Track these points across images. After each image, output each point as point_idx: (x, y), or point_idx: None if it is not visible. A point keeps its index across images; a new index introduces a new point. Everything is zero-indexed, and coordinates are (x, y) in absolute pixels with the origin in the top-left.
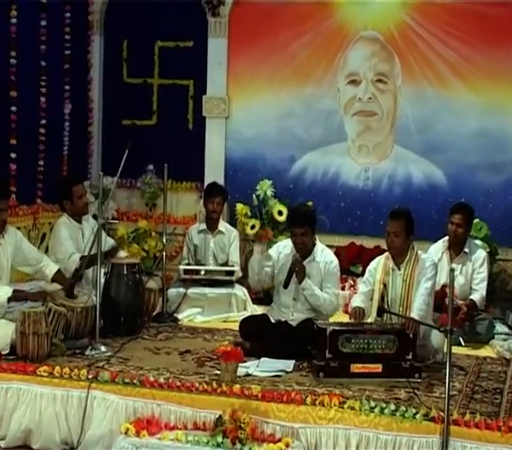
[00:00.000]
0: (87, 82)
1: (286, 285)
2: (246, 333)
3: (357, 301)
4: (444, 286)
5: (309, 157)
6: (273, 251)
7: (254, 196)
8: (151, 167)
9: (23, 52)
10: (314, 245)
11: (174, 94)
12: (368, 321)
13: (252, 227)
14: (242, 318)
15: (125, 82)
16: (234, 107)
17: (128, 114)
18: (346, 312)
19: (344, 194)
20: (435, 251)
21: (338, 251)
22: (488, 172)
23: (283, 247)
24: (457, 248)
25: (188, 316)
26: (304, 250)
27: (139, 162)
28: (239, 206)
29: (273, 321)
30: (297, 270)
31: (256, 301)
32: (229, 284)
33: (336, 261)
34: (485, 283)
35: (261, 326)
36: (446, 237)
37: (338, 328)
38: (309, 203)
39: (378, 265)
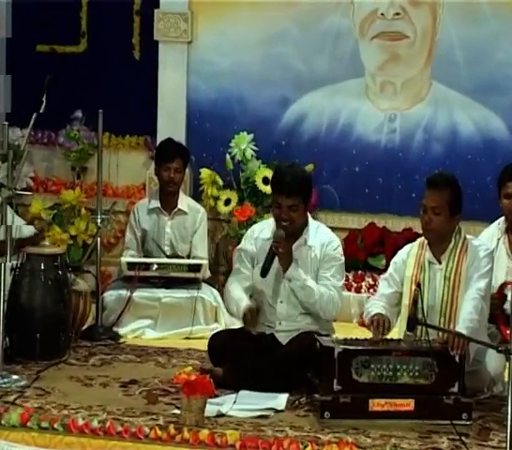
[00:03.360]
0: None
1: (264, 272)
2: (217, 355)
3: (378, 307)
4: (503, 286)
5: (310, 101)
6: (247, 241)
7: (228, 157)
8: (79, 114)
9: None
10: (306, 224)
11: (113, 8)
12: (395, 336)
13: (226, 202)
14: (212, 333)
15: None
16: (201, 27)
17: (45, 37)
18: (362, 324)
19: (360, 154)
20: (488, 238)
21: (352, 236)
22: None
23: (260, 231)
24: None
25: (133, 331)
26: (291, 230)
27: (62, 107)
28: (206, 173)
29: (254, 334)
30: (281, 251)
31: None
32: (193, 284)
33: (336, 241)
34: None
35: (238, 345)
36: (502, 218)
37: (350, 347)
38: (309, 167)
39: (408, 256)
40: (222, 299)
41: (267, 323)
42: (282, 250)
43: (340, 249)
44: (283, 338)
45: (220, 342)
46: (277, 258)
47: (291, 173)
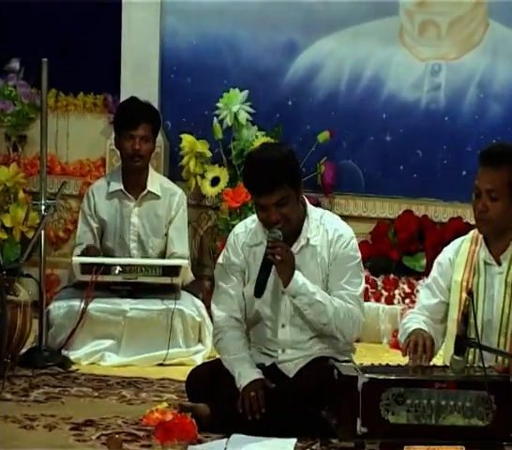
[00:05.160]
0: None
1: (259, 291)
2: (200, 388)
3: (417, 323)
4: None
5: (325, 48)
6: (231, 252)
7: (216, 122)
8: (16, 64)
9: None
10: (304, 215)
11: None
12: (439, 362)
13: (214, 182)
14: (196, 358)
15: None
16: None
17: None
18: (395, 346)
19: (392, 119)
20: None
21: (382, 229)
22: None
23: (247, 236)
24: None
25: (89, 355)
26: (289, 228)
27: None
28: (188, 139)
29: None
30: (280, 259)
31: None
32: (169, 293)
33: (347, 232)
34: None
35: (227, 378)
36: None
37: (379, 377)
38: (323, 136)
39: (458, 255)
40: (208, 313)
41: (267, 352)
42: (282, 258)
43: (354, 243)
44: (290, 369)
45: (204, 374)
46: (274, 268)
47: (262, 163)
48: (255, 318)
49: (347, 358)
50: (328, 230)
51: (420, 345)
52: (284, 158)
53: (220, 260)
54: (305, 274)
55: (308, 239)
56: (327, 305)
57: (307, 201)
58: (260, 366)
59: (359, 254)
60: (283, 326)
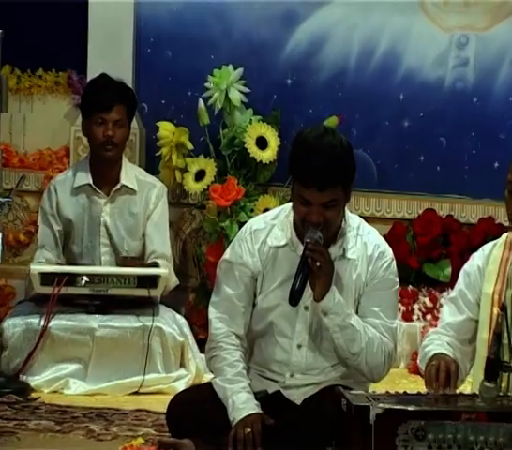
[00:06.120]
0: None
1: (296, 298)
2: (183, 421)
3: (440, 344)
4: None
5: (330, 16)
6: (244, 249)
7: (202, 105)
8: None
9: None
10: (341, 221)
11: None
12: (467, 390)
13: (199, 176)
14: (178, 385)
15: None
16: None
17: None
18: (414, 370)
19: (411, 100)
20: None
21: (398, 231)
22: None
23: (268, 233)
24: None
25: (51, 382)
26: (326, 234)
27: None
28: (167, 128)
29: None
30: (319, 266)
31: None
32: (145, 308)
33: (389, 251)
34: None
35: (216, 408)
36: None
37: (396, 407)
38: (331, 122)
39: (489, 263)
40: (192, 331)
41: (271, 376)
42: (321, 264)
43: (395, 266)
44: (296, 396)
45: (188, 409)
46: (309, 277)
47: (322, 152)
48: (265, 332)
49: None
50: (367, 243)
51: (442, 371)
52: (346, 154)
53: (228, 255)
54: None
55: (344, 250)
56: (361, 332)
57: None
58: (261, 393)
59: (398, 280)
60: (299, 347)
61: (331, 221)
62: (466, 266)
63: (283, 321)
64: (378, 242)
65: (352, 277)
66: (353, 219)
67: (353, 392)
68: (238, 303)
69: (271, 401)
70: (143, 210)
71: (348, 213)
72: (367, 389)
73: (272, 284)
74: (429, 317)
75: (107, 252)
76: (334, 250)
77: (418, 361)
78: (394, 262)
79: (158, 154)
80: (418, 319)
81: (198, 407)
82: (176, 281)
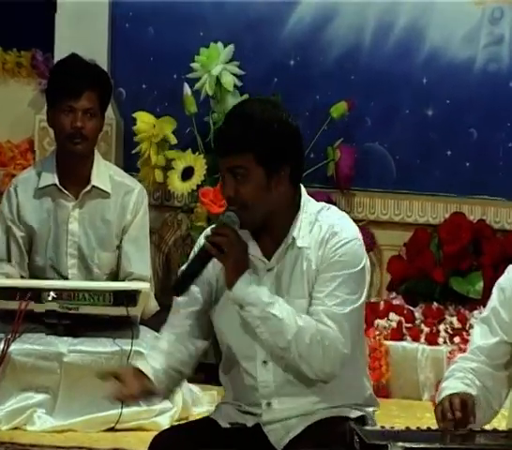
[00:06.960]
0: None
1: (180, 287)
2: None
3: (459, 377)
4: None
5: None
6: None
7: (188, 91)
8: None
9: None
10: (296, 210)
11: None
12: (502, 425)
13: (186, 173)
14: (161, 420)
15: None
16: None
17: None
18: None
19: (436, 84)
20: None
21: (421, 238)
22: None
23: None
24: None
25: (12, 414)
26: (249, 218)
27: None
28: (144, 119)
29: (226, 426)
30: (223, 251)
31: (201, 373)
32: (123, 329)
33: (349, 231)
34: None
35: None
36: None
37: (417, 446)
38: (340, 108)
39: None
40: None
41: (247, 409)
42: (225, 249)
43: (353, 246)
44: (279, 436)
45: (170, 443)
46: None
47: (235, 115)
48: (229, 359)
49: (362, 413)
50: (322, 226)
51: (456, 408)
52: (267, 124)
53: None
54: (286, 286)
55: (293, 238)
56: (287, 322)
57: (304, 191)
58: (240, 427)
59: (361, 261)
60: (265, 363)
61: (246, 199)
62: (501, 280)
63: (238, 340)
64: (334, 222)
65: (302, 268)
66: (312, 206)
67: (368, 428)
68: (183, 311)
69: (251, 437)
70: (117, 218)
71: (307, 199)
72: (370, 414)
73: (222, 297)
74: (456, 340)
75: (74, 265)
76: (285, 241)
77: (438, 393)
78: (354, 242)
79: (135, 151)
80: (444, 342)
81: (184, 447)
82: (157, 307)
